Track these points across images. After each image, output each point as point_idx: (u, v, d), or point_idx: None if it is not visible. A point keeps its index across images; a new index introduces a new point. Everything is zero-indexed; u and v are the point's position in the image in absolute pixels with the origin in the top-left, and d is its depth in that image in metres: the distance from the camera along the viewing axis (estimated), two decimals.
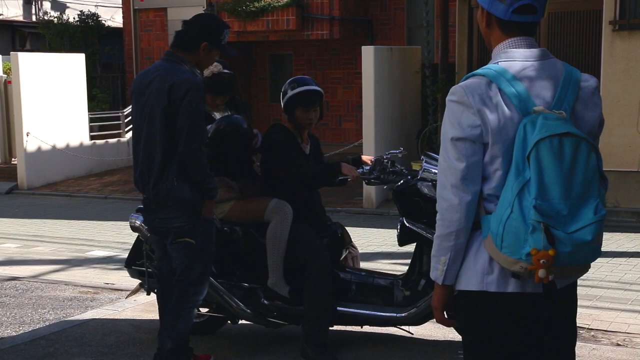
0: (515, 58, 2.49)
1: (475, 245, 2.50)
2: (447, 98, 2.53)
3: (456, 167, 2.46)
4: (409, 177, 4.78)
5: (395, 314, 4.75)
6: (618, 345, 5.03)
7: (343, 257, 5.10)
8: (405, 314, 4.72)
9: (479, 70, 2.51)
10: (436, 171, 4.70)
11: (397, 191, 4.75)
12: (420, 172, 4.72)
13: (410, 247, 4.86)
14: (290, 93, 4.83)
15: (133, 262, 5.07)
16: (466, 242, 2.50)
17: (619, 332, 5.28)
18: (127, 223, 5.06)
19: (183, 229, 4.15)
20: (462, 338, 2.66)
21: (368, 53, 10.76)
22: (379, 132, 10.88)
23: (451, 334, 5.13)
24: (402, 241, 4.79)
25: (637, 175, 9.59)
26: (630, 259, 7.52)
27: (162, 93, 4.03)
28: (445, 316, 2.64)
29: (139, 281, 5.16)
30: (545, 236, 2.27)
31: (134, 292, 5.28)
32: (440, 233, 2.52)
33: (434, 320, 4.86)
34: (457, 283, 2.55)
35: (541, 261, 2.28)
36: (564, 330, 2.58)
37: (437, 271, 2.55)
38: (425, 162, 4.79)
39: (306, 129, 4.95)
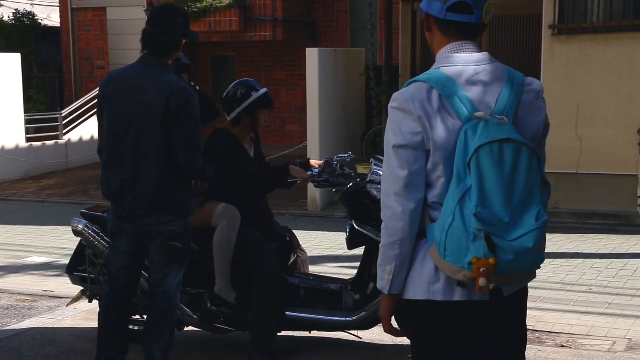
0: (457, 63, 2.47)
1: (421, 254, 2.48)
2: (389, 105, 2.51)
3: (399, 174, 2.43)
4: (358, 180, 4.76)
5: (344, 318, 4.70)
6: (562, 346, 5.07)
7: (291, 261, 5.04)
8: (355, 318, 4.68)
9: (420, 77, 2.48)
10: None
11: (346, 194, 4.71)
12: (369, 175, 4.69)
13: (358, 251, 4.82)
14: (256, 95, 4.81)
15: (75, 268, 4.92)
16: (411, 250, 2.48)
17: (563, 333, 5.33)
18: (67, 228, 4.90)
19: (176, 233, 4.06)
20: (412, 346, 2.63)
21: (312, 55, 10.72)
22: (323, 135, 10.84)
23: (399, 338, 5.09)
24: (351, 244, 4.75)
25: (576, 177, 9.76)
26: (571, 260, 7.63)
27: (159, 103, 3.91)
28: (394, 325, 2.61)
29: (81, 288, 5.01)
30: (486, 244, 2.25)
31: (76, 299, 5.13)
32: (385, 242, 2.50)
33: None
34: (405, 292, 2.52)
35: (481, 270, 2.26)
36: (513, 337, 2.58)
37: (383, 280, 2.52)
38: (375, 165, 4.76)
39: (257, 130, 4.92)
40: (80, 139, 15.56)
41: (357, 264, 7.50)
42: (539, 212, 2.31)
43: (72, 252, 5.06)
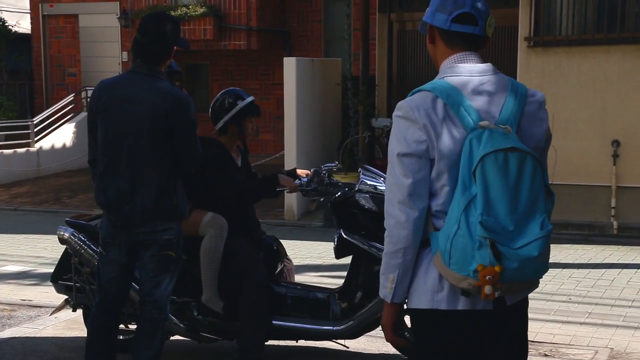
0: (461, 73, 2.49)
1: (424, 263, 2.48)
2: (394, 114, 2.52)
3: (402, 183, 2.43)
4: (346, 189, 4.76)
5: (332, 327, 4.69)
6: (546, 355, 5.12)
7: (278, 270, 5.03)
8: (342, 327, 4.67)
9: (425, 86, 2.50)
10: (372, 183, 4.72)
11: (334, 203, 4.71)
12: (357, 184, 4.70)
13: (338, 260, 4.82)
14: (241, 104, 4.79)
15: (60, 277, 4.86)
16: (414, 259, 2.48)
17: (545, 342, 5.38)
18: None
19: (171, 241, 4.04)
20: (415, 354, 2.64)
21: (290, 64, 10.73)
22: (300, 144, 10.85)
23: (385, 347, 5.12)
24: (339, 254, 4.74)
25: (553, 187, 9.83)
26: (550, 270, 7.69)
27: (156, 113, 3.89)
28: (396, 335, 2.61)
29: (65, 297, 4.94)
30: (492, 252, 2.26)
31: (59, 308, 5.06)
32: (388, 250, 2.50)
33: (369, 333, 4.89)
34: (408, 301, 2.53)
35: (487, 277, 2.27)
36: (515, 346, 2.59)
37: (385, 289, 2.52)
38: (363, 174, 4.78)
39: (247, 139, 4.90)
40: (52, 147, 15.39)
41: (337, 273, 7.56)
42: (543, 221, 2.33)
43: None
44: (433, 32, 2.58)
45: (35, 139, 15.26)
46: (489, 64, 2.55)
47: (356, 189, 4.67)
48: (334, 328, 4.69)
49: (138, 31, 4.01)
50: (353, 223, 4.68)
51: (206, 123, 5.86)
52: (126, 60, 17.34)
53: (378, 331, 4.99)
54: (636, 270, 7.62)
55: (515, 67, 10.21)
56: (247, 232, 4.87)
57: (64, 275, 4.84)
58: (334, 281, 6.75)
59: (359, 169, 4.91)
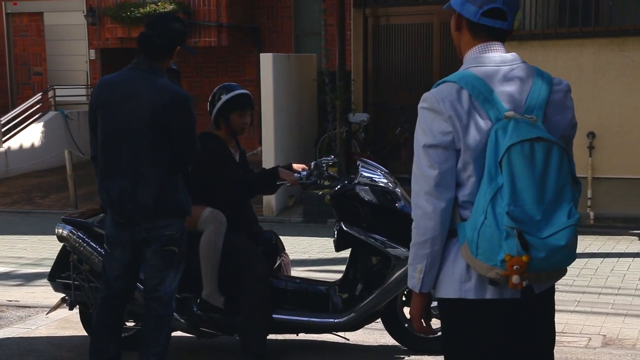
0: (486, 63, 2.50)
1: (452, 253, 2.50)
2: (419, 105, 2.52)
3: (429, 174, 2.44)
4: (346, 182, 4.77)
5: (333, 320, 4.71)
6: None
7: (277, 264, 5.02)
8: (344, 319, 4.68)
9: (450, 77, 2.51)
10: (370, 175, 4.74)
11: (334, 196, 4.71)
12: (357, 177, 4.71)
13: (322, 254, 4.83)
14: (225, 97, 4.76)
15: (57, 275, 4.79)
16: (442, 249, 2.50)
17: None
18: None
19: (174, 237, 4.02)
20: (443, 343, 2.66)
21: (266, 60, 10.70)
22: (278, 140, 10.83)
23: (383, 339, 5.14)
24: (339, 246, 4.75)
25: None
26: None
27: (156, 110, 3.86)
28: (424, 324, 2.62)
29: (51, 296, 4.87)
30: (519, 242, 2.27)
31: (55, 307, 5.00)
32: (415, 241, 2.51)
33: (367, 326, 4.91)
34: (436, 291, 2.55)
35: (515, 267, 2.28)
36: (542, 334, 2.61)
37: (413, 279, 2.53)
38: (362, 167, 4.80)
39: (239, 134, 4.88)
40: (21, 147, 15.14)
41: (325, 267, 7.57)
42: (570, 210, 2.34)
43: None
44: (461, 20, 2.57)
45: (3, 139, 14.99)
46: (513, 53, 2.56)
47: (356, 181, 4.69)
48: (335, 320, 4.70)
49: (146, 26, 4.01)
50: (353, 216, 4.69)
51: (202, 118, 5.82)
52: (93, 58, 17.13)
53: (376, 323, 5.02)
54: (617, 259, 7.75)
55: None
56: (246, 227, 4.86)
57: (61, 274, 4.77)
58: (323, 275, 6.75)
59: (357, 162, 4.92)
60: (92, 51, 17.10)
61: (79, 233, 4.62)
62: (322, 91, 11.45)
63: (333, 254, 4.48)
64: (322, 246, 8.62)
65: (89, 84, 17.34)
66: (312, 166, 4.77)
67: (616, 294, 6.42)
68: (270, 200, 10.78)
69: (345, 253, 4.84)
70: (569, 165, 2.39)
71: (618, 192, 9.61)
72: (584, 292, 6.46)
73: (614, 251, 8.15)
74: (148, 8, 15.29)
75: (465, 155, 2.43)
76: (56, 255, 4.88)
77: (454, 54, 12.07)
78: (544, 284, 2.50)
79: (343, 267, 4.89)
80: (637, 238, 8.87)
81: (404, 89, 11.72)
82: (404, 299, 4.85)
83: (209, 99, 4.87)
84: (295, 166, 4.95)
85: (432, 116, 2.45)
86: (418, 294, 2.55)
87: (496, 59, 2.51)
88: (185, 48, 4.09)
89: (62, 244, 4.71)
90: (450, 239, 2.50)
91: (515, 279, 2.31)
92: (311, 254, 8.26)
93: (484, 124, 2.41)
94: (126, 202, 3.93)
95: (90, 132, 4.11)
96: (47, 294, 6.25)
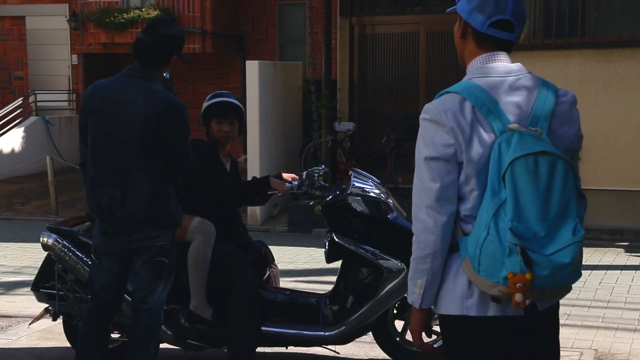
0: (489, 74, 2.43)
1: (453, 268, 2.43)
2: (421, 116, 2.45)
3: (430, 187, 2.38)
4: (337, 192, 4.70)
5: (323, 333, 4.63)
6: None
7: (266, 276, 4.93)
8: (334, 332, 4.60)
9: (452, 87, 2.44)
10: (362, 185, 4.67)
11: (326, 206, 4.64)
12: (349, 187, 4.64)
13: (308, 264, 4.75)
14: (205, 104, 4.70)
15: (41, 285, 4.67)
16: (443, 264, 2.43)
17: None
18: None
19: (164, 247, 3.92)
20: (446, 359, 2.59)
21: (252, 68, 10.61)
22: (263, 148, 10.74)
23: (373, 352, 5.07)
24: (330, 258, 4.68)
25: None
26: None
27: (148, 118, 3.77)
28: (424, 340, 2.55)
29: (31, 306, 4.75)
30: (522, 259, 2.20)
31: (38, 317, 4.87)
32: (416, 255, 2.44)
33: (358, 339, 4.83)
34: (437, 307, 2.48)
35: (518, 285, 2.22)
36: (547, 352, 2.54)
37: (414, 295, 2.47)
38: (354, 177, 4.73)
39: (223, 143, 4.77)
40: (1, 152, 14.95)
41: (309, 278, 7.49)
42: (575, 226, 2.27)
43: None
44: (467, 28, 2.50)
45: None
46: (518, 63, 2.50)
47: (348, 192, 4.61)
48: (326, 333, 4.62)
49: (142, 31, 3.90)
50: (345, 226, 4.62)
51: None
52: (76, 63, 16.98)
53: (366, 336, 4.94)
54: (605, 271, 7.73)
55: None
56: (235, 237, 4.78)
57: (45, 283, 4.65)
58: (310, 286, 6.67)
59: (350, 172, 4.85)
60: (75, 56, 16.96)
61: (64, 242, 4.51)
62: (308, 99, 11.38)
63: (320, 264, 4.41)
64: (308, 256, 8.54)
65: (71, 89, 17.20)
66: (303, 176, 4.70)
67: (606, 307, 6.38)
68: (254, 209, 10.68)
69: (333, 264, 4.77)
70: (574, 180, 2.32)
71: (604, 203, 9.61)
72: (573, 305, 6.42)
73: (601, 263, 8.13)
74: (132, 14, 15.20)
75: (467, 168, 2.36)
76: (40, 264, 4.76)
77: (440, 64, 12.18)
78: (548, 301, 2.43)
79: (330, 278, 4.82)
80: (623, 250, 8.86)
81: (390, 98, 11.69)
82: (395, 311, 4.78)
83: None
84: (285, 176, 4.87)
85: (434, 128, 2.39)
86: (418, 309, 2.48)
87: (501, 69, 2.44)
88: (181, 56, 4.01)
89: (46, 252, 4.60)
90: (452, 254, 2.43)
91: (518, 297, 2.24)
92: (297, 264, 8.17)
93: (487, 136, 2.34)
94: (116, 211, 3.83)
95: (79, 138, 4.01)
96: (29, 303, 6.12)
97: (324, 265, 7.74)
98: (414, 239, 2.45)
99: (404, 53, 11.74)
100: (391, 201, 4.68)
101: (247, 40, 16.49)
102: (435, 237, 2.39)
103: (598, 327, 5.80)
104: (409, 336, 4.82)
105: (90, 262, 4.25)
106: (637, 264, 8.14)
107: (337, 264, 4.79)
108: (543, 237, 2.24)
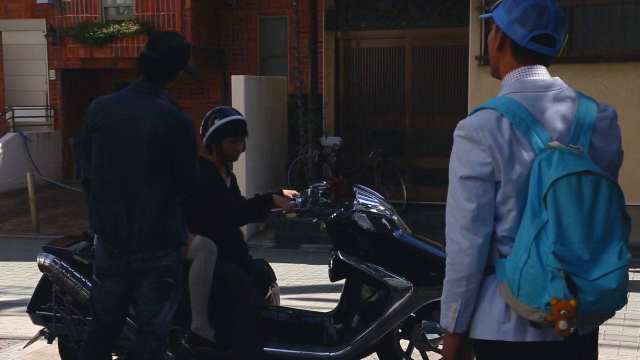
0: (528, 89, 2.34)
1: (489, 291, 2.34)
2: (455, 133, 2.36)
3: (466, 207, 2.29)
4: (342, 209, 4.60)
5: (328, 353, 4.51)
6: None
7: (268, 295, 4.81)
8: (340, 352, 4.49)
9: (488, 103, 2.35)
10: (366, 202, 4.57)
11: (330, 223, 4.54)
12: (354, 204, 4.54)
13: (301, 281, 4.65)
14: (217, 123, 4.57)
15: (38, 306, 4.51)
16: (478, 287, 2.34)
17: None
18: None
19: (170, 267, 3.81)
20: None
21: (238, 82, 10.53)
22: (249, 163, 10.63)
23: None
24: (334, 276, 4.57)
25: None
26: None
27: (156, 135, 3.66)
28: None
29: (20, 327, 4.59)
30: (566, 284, 2.10)
31: (33, 340, 4.71)
32: (450, 278, 2.35)
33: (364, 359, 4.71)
34: (472, 331, 2.39)
35: (562, 312, 2.12)
36: None
37: (447, 319, 2.37)
38: (358, 193, 4.62)
39: (231, 161, 4.69)
40: None
41: (302, 295, 7.37)
42: (620, 249, 2.18)
43: None
44: (505, 41, 2.41)
45: None
46: (556, 77, 2.41)
47: (353, 208, 4.52)
48: (331, 354, 4.51)
49: (147, 46, 3.78)
50: (350, 244, 4.52)
51: None
52: (54, 78, 16.75)
53: (370, 357, 4.83)
54: None
55: (466, 86, 10.27)
56: (237, 255, 4.67)
57: (42, 305, 4.50)
58: (304, 303, 6.56)
59: (354, 188, 4.75)
60: (52, 71, 16.73)
61: (62, 262, 4.36)
62: (294, 114, 11.30)
63: (312, 281, 4.30)
64: (299, 272, 8.42)
65: (49, 104, 16.96)
66: (308, 192, 4.59)
67: (606, 324, 6.30)
68: None
69: (326, 281, 4.65)
70: (618, 200, 2.22)
71: None
72: None
73: None
74: (111, 28, 15.05)
75: (506, 188, 2.26)
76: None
77: (426, 78, 12.11)
78: (589, 326, 2.34)
79: (325, 295, 4.72)
80: None
81: (376, 113, 11.63)
82: (400, 330, 4.68)
83: (202, 122, 4.69)
84: (286, 192, 4.77)
85: (470, 146, 2.29)
86: (452, 334, 2.38)
87: (540, 84, 2.35)
88: (187, 70, 3.90)
89: (42, 273, 4.45)
90: (487, 276, 2.34)
91: (562, 324, 2.14)
92: (289, 281, 8.05)
93: (526, 155, 2.25)
94: (121, 230, 3.70)
95: (82, 155, 3.89)
96: (17, 324, 5.95)
97: (316, 282, 7.64)
98: (447, 260, 2.36)
99: (390, 67, 11.70)
100: (396, 218, 4.59)
101: (228, 54, 16.39)
102: (470, 259, 2.29)
103: (601, 345, 5.73)
104: (414, 355, 4.75)
105: (89, 283, 4.11)
106: (637, 279, 8.11)
107: (329, 280, 4.67)
108: (587, 261, 2.15)
